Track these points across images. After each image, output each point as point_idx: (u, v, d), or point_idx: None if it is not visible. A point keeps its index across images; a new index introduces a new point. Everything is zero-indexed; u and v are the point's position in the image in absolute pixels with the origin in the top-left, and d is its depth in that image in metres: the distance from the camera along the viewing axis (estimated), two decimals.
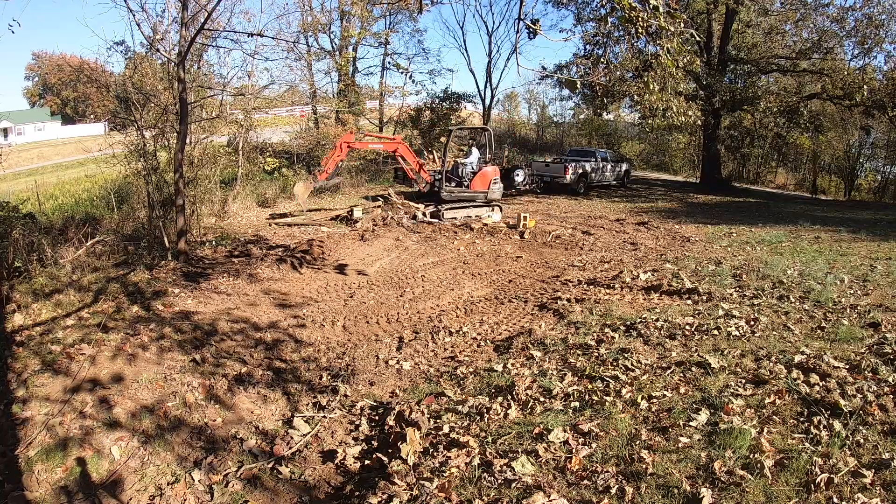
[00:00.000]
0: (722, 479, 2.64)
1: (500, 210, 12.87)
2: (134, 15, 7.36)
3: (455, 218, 12.04)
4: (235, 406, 4.43)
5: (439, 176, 12.45)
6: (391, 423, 3.91)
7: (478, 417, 3.71)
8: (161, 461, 3.72)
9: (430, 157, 16.93)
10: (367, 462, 3.60)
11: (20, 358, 4.81)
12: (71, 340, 5.15)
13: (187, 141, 8.95)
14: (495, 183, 12.97)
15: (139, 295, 6.63)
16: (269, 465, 3.64)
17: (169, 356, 5.05)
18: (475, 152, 13.32)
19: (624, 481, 2.73)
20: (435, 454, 3.30)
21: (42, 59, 61.31)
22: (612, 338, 4.88)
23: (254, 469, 3.61)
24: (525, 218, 11.43)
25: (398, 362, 5.19)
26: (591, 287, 6.94)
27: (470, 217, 12.29)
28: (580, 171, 18.04)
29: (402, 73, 25.53)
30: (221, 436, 4.02)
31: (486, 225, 11.62)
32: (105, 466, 3.63)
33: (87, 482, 3.49)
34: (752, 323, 4.89)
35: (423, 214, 11.92)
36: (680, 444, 3.00)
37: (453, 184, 12.54)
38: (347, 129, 19.54)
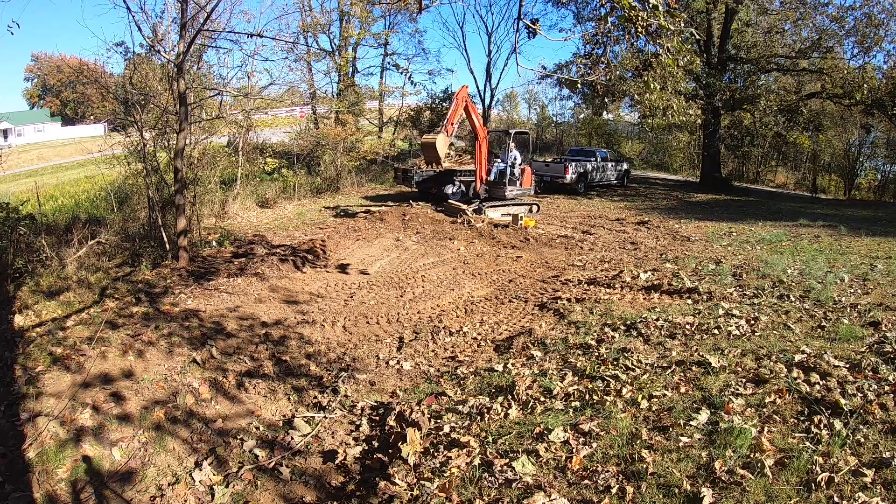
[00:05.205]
0: (722, 478, 2.64)
1: (539, 209, 13.51)
2: (133, 16, 7.33)
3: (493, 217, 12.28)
4: (238, 406, 4.43)
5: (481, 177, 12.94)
6: (392, 423, 3.91)
7: (478, 417, 3.71)
8: (162, 461, 3.72)
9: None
10: (367, 462, 3.60)
11: (25, 357, 4.82)
12: (75, 340, 5.16)
13: (187, 141, 8.95)
14: (534, 181, 13.98)
15: (144, 294, 6.64)
16: (270, 466, 3.64)
17: (175, 354, 5.07)
18: (517, 152, 13.61)
19: (624, 481, 2.73)
20: (435, 454, 3.31)
21: (41, 61, 61.34)
22: (613, 337, 4.88)
23: (254, 469, 3.61)
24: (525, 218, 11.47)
25: (398, 362, 5.19)
26: (592, 286, 6.94)
27: (509, 215, 12.43)
28: (580, 170, 18.04)
29: (401, 73, 25.58)
30: (223, 436, 4.02)
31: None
32: (107, 466, 3.63)
33: (89, 482, 3.49)
34: (753, 322, 4.89)
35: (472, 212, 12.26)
36: (680, 444, 3.00)
37: (508, 182, 13.02)
38: (347, 129, 19.52)
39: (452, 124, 11.84)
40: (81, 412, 4.06)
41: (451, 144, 12.04)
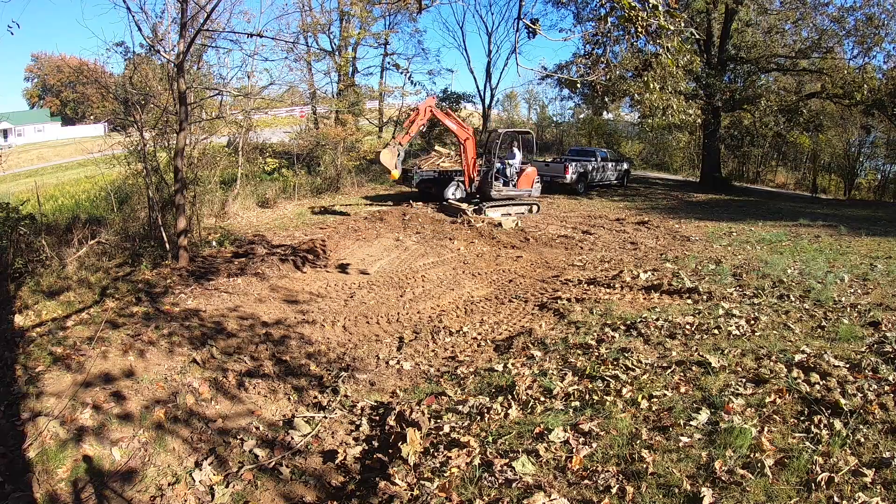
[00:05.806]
0: (722, 478, 2.64)
1: (539, 209, 13.42)
2: (133, 16, 7.34)
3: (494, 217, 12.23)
4: (238, 406, 4.43)
5: (477, 176, 12.91)
6: (392, 423, 3.91)
7: (478, 417, 3.71)
8: (163, 461, 3.72)
9: (437, 153, 16.97)
10: (367, 462, 3.60)
11: (25, 356, 4.82)
12: (76, 340, 5.16)
13: (187, 141, 8.95)
14: (537, 182, 13.68)
15: (145, 294, 6.65)
16: (270, 466, 3.64)
17: (175, 354, 5.08)
18: (517, 153, 13.58)
19: (624, 481, 2.73)
20: (435, 454, 3.31)
21: (41, 61, 61.30)
22: (613, 337, 4.88)
23: (254, 469, 3.61)
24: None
25: (398, 362, 5.19)
26: (592, 286, 6.94)
27: (509, 215, 12.43)
28: (580, 170, 18.04)
29: (401, 73, 25.58)
30: (223, 435, 4.02)
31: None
32: (107, 466, 3.63)
33: (89, 482, 3.49)
34: (753, 322, 4.89)
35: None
36: (680, 444, 3.00)
37: (500, 182, 12.93)
38: (347, 129, 19.53)
39: (409, 134, 12.07)
40: (82, 412, 4.06)
41: (400, 154, 11.98)
